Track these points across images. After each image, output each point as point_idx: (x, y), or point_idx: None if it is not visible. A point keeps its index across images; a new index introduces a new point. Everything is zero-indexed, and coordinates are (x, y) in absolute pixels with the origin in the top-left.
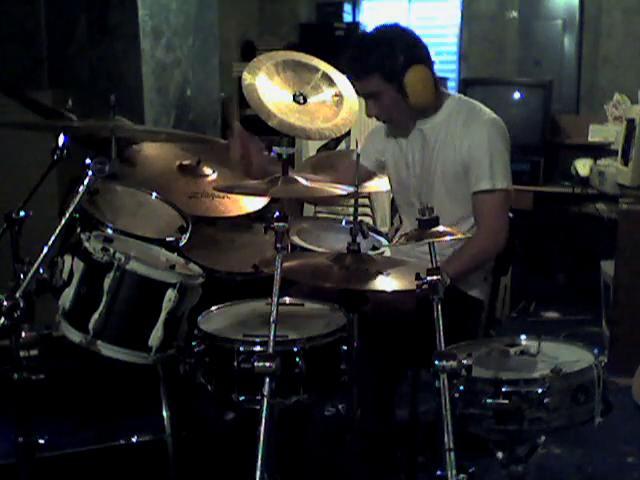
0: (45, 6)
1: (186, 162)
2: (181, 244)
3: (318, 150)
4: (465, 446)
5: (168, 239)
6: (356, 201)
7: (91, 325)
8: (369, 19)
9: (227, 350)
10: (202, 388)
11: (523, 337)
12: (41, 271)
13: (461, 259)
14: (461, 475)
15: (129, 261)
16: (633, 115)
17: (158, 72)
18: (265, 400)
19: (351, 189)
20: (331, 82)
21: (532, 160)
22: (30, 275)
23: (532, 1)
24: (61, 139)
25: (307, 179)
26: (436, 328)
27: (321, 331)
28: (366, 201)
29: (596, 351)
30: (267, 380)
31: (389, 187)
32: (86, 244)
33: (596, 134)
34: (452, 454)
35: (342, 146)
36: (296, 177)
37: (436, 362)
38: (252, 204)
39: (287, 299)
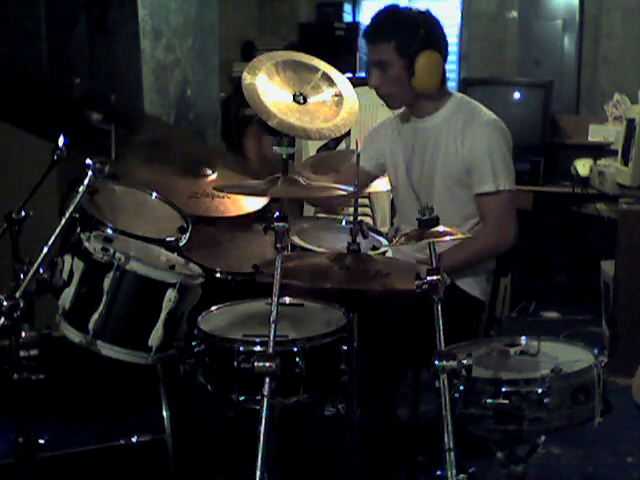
0: (45, 6)
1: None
2: (181, 244)
3: (318, 150)
4: (465, 446)
5: (168, 239)
6: (356, 201)
7: (91, 325)
8: (369, 19)
9: (227, 350)
10: (202, 388)
11: (523, 337)
12: (41, 271)
13: (463, 252)
14: (461, 475)
15: (129, 261)
16: (633, 115)
17: (158, 72)
18: (265, 400)
19: (351, 189)
20: (331, 82)
21: (532, 160)
22: (30, 275)
23: (532, 1)
24: (61, 139)
25: (308, 181)
26: (436, 328)
27: (321, 331)
28: (366, 201)
29: (596, 351)
30: (267, 380)
31: (389, 187)
32: (86, 244)
33: (596, 134)
34: (452, 454)
35: (342, 146)
36: (296, 177)
37: (436, 362)
38: (252, 204)
39: (287, 299)
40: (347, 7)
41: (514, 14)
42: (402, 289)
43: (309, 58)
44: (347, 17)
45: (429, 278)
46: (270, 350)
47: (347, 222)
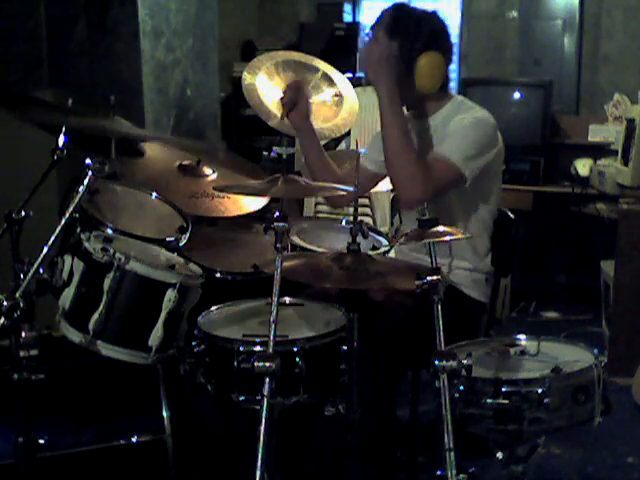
0: (45, 6)
1: (186, 162)
2: (181, 244)
3: None
4: (465, 446)
5: (168, 239)
6: (356, 201)
7: (91, 325)
8: (369, 19)
9: (227, 350)
10: (202, 388)
11: (523, 337)
12: (41, 271)
13: (405, 146)
14: (461, 475)
15: (129, 261)
16: (633, 115)
17: (158, 72)
18: (265, 400)
19: (351, 189)
20: (331, 82)
21: (532, 160)
22: (30, 275)
23: (532, 1)
24: (61, 139)
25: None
26: (436, 328)
27: (321, 331)
28: (366, 201)
29: (596, 351)
30: (267, 380)
31: (389, 187)
32: (86, 244)
33: (596, 134)
34: (452, 454)
35: (342, 146)
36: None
37: (436, 362)
38: (252, 204)
39: (287, 299)
40: (347, 7)
41: (514, 14)
42: (402, 289)
43: (309, 58)
44: (347, 17)
45: (429, 278)
46: (270, 350)
47: (347, 222)
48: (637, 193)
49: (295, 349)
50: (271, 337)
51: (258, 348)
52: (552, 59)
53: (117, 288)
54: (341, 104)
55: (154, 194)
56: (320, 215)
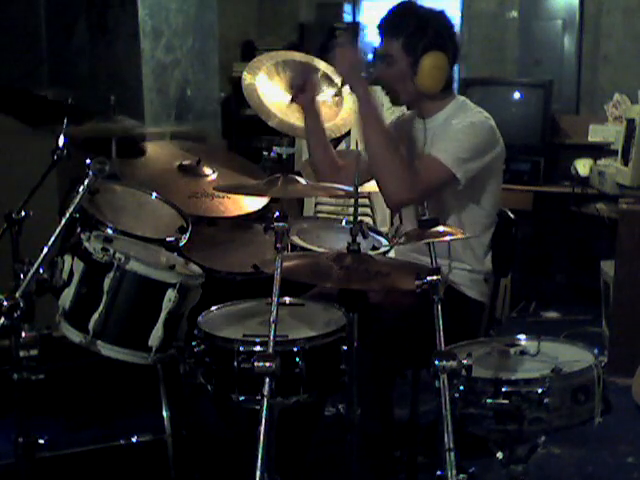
0: (45, 6)
1: (186, 162)
2: (181, 244)
3: None
4: (465, 446)
5: (168, 239)
6: (356, 201)
7: (91, 325)
8: (369, 19)
9: (227, 350)
10: (202, 388)
11: (523, 337)
12: (41, 271)
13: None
14: (461, 475)
15: (129, 261)
16: (633, 115)
17: (158, 72)
18: (265, 400)
19: (351, 189)
20: (331, 82)
21: (532, 160)
22: (30, 275)
23: (532, 1)
24: (61, 139)
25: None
26: (436, 328)
27: (321, 331)
28: (366, 201)
29: (596, 351)
30: (267, 380)
31: None
32: (86, 244)
33: (596, 134)
34: (452, 454)
35: (342, 146)
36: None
37: (436, 362)
38: (252, 204)
39: (287, 299)
40: (347, 7)
41: (514, 14)
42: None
43: (309, 58)
44: (347, 17)
45: (429, 278)
46: (270, 350)
47: (347, 222)
48: (637, 193)
49: (295, 349)
50: (271, 337)
51: (258, 348)
52: (552, 59)
53: (117, 288)
54: (341, 104)
55: (154, 194)
56: (320, 215)
